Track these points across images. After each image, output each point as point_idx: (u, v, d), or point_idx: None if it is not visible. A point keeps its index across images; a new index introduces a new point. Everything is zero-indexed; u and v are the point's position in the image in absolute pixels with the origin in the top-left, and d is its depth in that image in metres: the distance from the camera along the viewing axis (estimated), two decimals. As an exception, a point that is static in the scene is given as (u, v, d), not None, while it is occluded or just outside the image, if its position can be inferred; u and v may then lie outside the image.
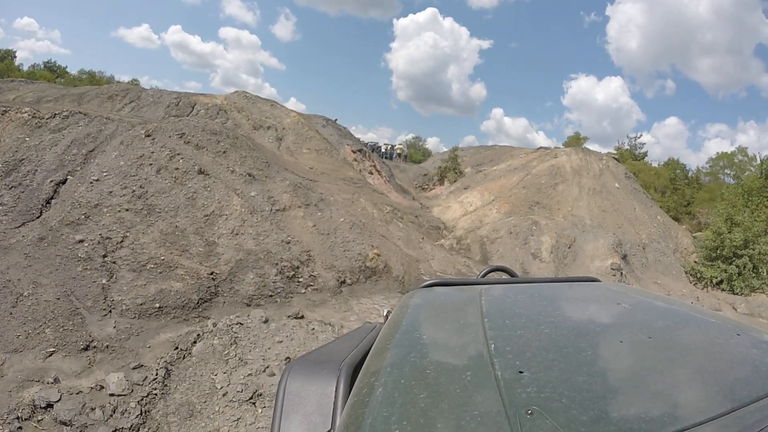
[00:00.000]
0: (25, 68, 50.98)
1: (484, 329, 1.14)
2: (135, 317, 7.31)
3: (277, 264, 8.81)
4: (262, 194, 10.74)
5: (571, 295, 1.70)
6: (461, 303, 1.52)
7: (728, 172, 45.11)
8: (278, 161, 14.13)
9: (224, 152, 12.01)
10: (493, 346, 1.02)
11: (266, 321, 6.86)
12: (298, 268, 9.01)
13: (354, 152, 23.94)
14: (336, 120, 30.84)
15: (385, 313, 1.80)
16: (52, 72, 51.71)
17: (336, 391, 1.22)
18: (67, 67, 57.64)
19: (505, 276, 3.02)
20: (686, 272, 19.32)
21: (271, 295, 8.31)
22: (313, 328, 6.78)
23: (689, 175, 38.07)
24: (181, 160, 10.81)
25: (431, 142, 64.15)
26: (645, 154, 37.26)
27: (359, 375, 1.08)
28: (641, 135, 38.09)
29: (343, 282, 9.32)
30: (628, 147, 37.27)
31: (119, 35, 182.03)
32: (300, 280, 8.83)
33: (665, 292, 15.99)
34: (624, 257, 16.11)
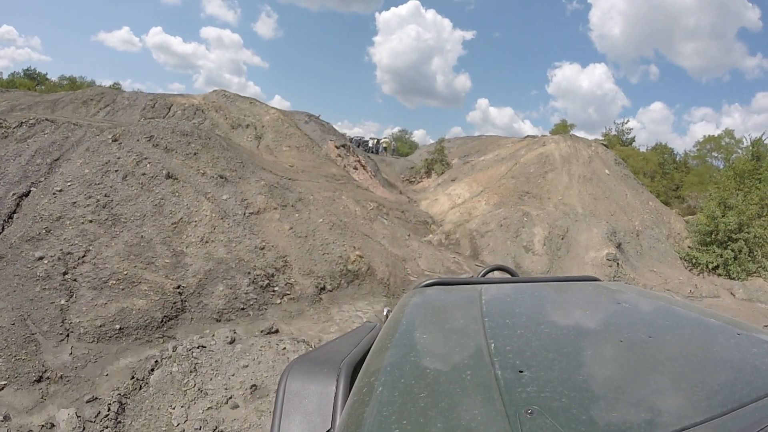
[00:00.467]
0: (5, 77, 49.57)
1: (484, 329, 1.13)
2: (93, 341, 6.59)
3: (249, 273, 8.09)
4: (234, 197, 9.99)
5: (570, 294, 1.67)
6: (461, 303, 1.53)
7: (716, 155, 45.06)
8: (255, 161, 13.38)
9: (195, 154, 11.26)
10: (493, 345, 1.02)
11: (232, 342, 6.13)
12: (273, 276, 8.30)
13: (337, 148, 23.21)
14: (319, 116, 30.28)
15: (385, 313, 1.77)
16: (32, 79, 50.10)
17: (336, 391, 1.20)
18: (47, 73, 56.01)
19: (505, 275, 2.99)
20: (681, 258, 18.89)
21: (242, 308, 7.60)
22: (284, 348, 6.06)
23: (677, 159, 37.57)
24: (148, 165, 10.06)
25: (418, 135, 63.55)
26: (633, 140, 36.78)
27: (359, 375, 1.06)
28: (628, 120, 37.40)
29: (323, 288, 8.62)
30: (616, 133, 36.71)
31: (100, 39, 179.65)
32: (275, 289, 8.12)
33: (663, 280, 15.45)
34: (618, 246, 15.53)
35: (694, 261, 18.98)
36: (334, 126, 28.93)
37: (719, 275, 18.63)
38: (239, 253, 8.53)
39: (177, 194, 9.51)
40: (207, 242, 8.67)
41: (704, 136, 46.27)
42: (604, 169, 22.01)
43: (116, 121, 16.38)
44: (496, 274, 3.09)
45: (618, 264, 13.43)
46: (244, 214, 9.61)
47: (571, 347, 1.06)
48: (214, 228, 8.97)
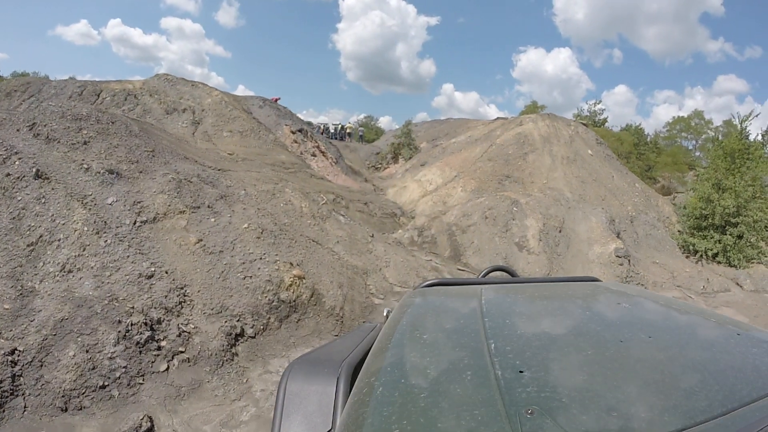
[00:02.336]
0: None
1: (484, 329, 1.10)
2: None
3: (121, 321, 4.90)
4: (124, 199, 6.74)
5: (571, 294, 1.60)
6: (461, 303, 1.48)
7: (685, 135, 43.44)
8: (178, 149, 10.10)
9: (85, 143, 7.97)
10: (493, 346, 0.99)
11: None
12: (159, 323, 5.13)
13: (293, 133, 19.88)
14: (278, 99, 27.34)
15: (385, 314, 1.70)
16: (-17, 76, 44.61)
17: (336, 391, 1.18)
18: (-1, 71, 50.37)
19: (505, 276, 2.85)
20: (679, 246, 16.52)
21: (103, 386, 4.44)
22: None
23: (648, 140, 35.46)
24: (17, 162, 6.79)
25: (384, 121, 60.09)
26: (605, 120, 34.34)
27: (359, 375, 1.03)
28: (600, 101, 34.91)
29: (239, 335, 5.48)
30: (588, 114, 34.20)
31: (57, 33, 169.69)
32: (160, 345, 4.95)
33: (670, 274, 12.80)
34: (618, 235, 12.80)
35: (691, 248, 16.84)
36: (299, 115, 25.62)
37: (719, 263, 16.63)
38: (113, 288, 5.35)
39: (43, 201, 6.27)
40: (70, 272, 5.48)
41: (673, 117, 45.35)
42: (586, 150, 19.36)
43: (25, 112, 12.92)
44: (497, 275, 2.86)
45: (629, 261, 10.64)
46: (134, 223, 6.39)
47: (571, 348, 1.01)
48: (84, 248, 5.76)
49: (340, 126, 34.91)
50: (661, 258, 14.26)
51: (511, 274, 2.81)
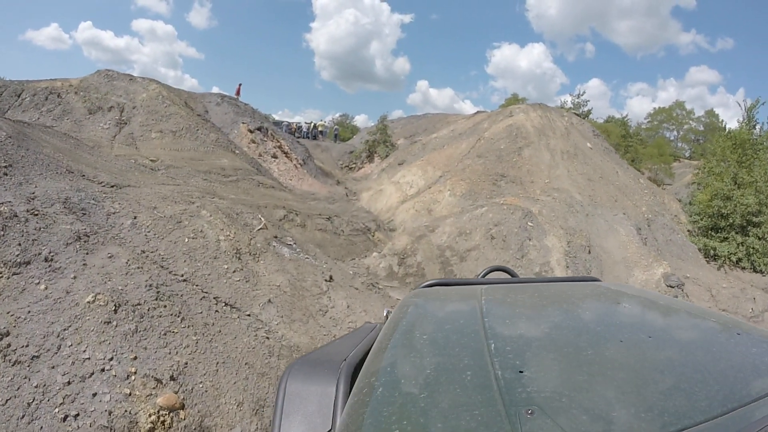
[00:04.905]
0: None
1: (484, 329, 1.06)
2: None
3: None
4: None
5: (571, 294, 1.51)
6: (461, 303, 1.42)
7: (666, 126, 41.26)
8: (67, 158, 6.88)
9: None
10: (493, 346, 0.95)
11: None
12: None
13: (251, 132, 16.50)
14: (240, 85, 24.80)
15: (385, 313, 1.63)
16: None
17: (336, 391, 1.12)
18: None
19: (505, 276, 2.68)
20: (698, 250, 13.82)
21: None
22: None
23: (630, 131, 32.99)
24: None
25: (359, 120, 56.39)
26: (590, 112, 31.57)
27: (359, 375, 0.98)
28: (584, 92, 32.25)
29: None
30: (572, 105, 31.36)
31: (28, 38, 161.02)
32: None
33: (706, 291, 9.83)
34: (645, 243, 9.83)
35: (713, 253, 14.14)
36: (275, 115, 22.40)
37: (743, 268, 13.96)
38: None
39: None
40: None
41: (654, 108, 43.51)
42: (585, 143, 16.41)
43: None
44: (497, 275, 2.71)
45: (683, 290, 7.61)
46: None
47: (571, 347, 0.96)
48: None
49: (312, 124, 31.48)
50: (690, 270, 11.30)
51: (511, 274, 2.65)
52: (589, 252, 7.92)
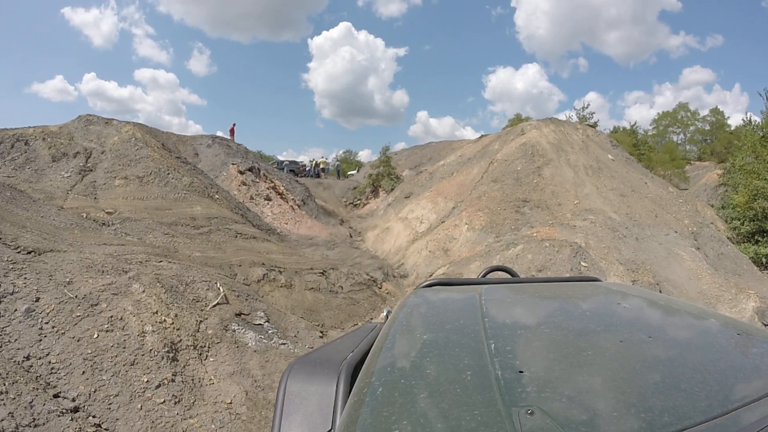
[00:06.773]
0: None
1: (484, 329, 1.02)
2: None
3: None
4: None
5: (571, 294, 1.46)
6: (461, 303, 1.38)
7: (672, 129, 39.49)
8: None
9: None
10: (493, 346, 0.92)
11: None
12: None
13: (242, 173, 14.82)
14: (233, 125, 24.36)
15: (385, 314, 1.58)
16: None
17: (336, 391, 1.07)
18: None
19: (505, 276, 2.63)
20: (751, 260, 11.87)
21: None
22: None
23: (638, 139, 31.34)
24: None
25: (363, 155, 55.11)
26: (596, 123, 29.87)
27: (359, 375, 0.95)
28: (588, 104, 30.98)
29: None
30: (577, 119, 29.69)
31: (33, 91, 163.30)
32: None
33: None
34: (716, 268, 7.81)
35: (765, 261, 12.31)
36: (279, 156, 21.25)
37: None
38: None
39: None
40: None
41: (658, 113, 42.02)
42: (605, 155, 14.54)
43: None
44: (497, 275, 2.65)
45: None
46: None
47: (571, 347, 0.94)
48: None
49: (314, 162, 30.05)
50: (755, 287, 9.20)
51: (511, 273, 2.58)
52: (660, 291, 5.96)
